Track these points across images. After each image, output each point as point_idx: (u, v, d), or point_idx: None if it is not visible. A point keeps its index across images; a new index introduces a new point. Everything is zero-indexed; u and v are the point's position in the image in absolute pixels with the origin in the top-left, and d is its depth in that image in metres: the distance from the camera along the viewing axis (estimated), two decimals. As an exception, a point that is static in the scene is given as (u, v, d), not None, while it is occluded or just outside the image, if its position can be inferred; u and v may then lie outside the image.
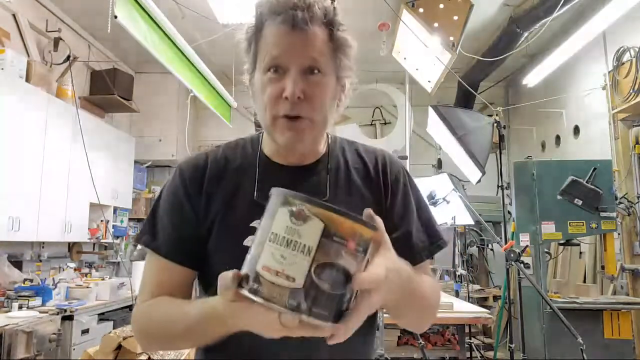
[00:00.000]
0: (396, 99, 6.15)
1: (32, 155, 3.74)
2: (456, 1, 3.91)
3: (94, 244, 4.99)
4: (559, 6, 3.49)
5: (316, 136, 0.87)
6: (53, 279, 4.05)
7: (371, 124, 6.57)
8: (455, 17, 3.90)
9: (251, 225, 0.83)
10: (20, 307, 3.30)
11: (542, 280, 3.52)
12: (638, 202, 3.89)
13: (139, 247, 5.83)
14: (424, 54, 4.26)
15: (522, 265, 2.78)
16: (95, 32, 5.03)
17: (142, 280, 0.89)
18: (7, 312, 3.25)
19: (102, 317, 3.96)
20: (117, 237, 5.32)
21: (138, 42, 2.71)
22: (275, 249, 0.55)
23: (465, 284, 4.31)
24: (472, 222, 4.18)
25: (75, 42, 4.79)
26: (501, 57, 4.39)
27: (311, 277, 0.54)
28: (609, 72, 4.19)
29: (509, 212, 3.99)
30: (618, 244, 3.87)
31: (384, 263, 0.61)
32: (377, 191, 0.92)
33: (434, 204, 3.90)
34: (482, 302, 4.91)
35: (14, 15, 3.98)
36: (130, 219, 5.61)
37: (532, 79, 5.13)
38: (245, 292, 0.56)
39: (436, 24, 3.92)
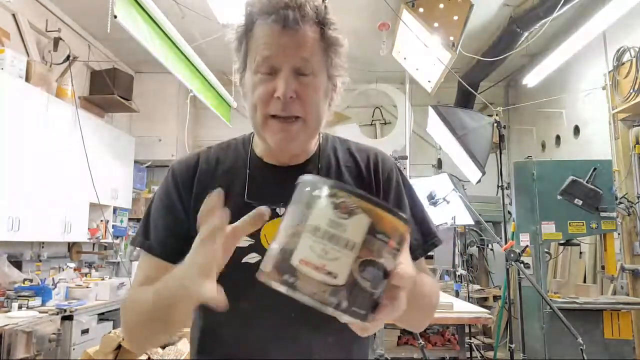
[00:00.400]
0: (396, 99, 6.15)
1: (31, 155, 3.74)
2: (456, 1, 3.92)
3: (93, 244, 4.99)
4: (559, 6, 3.50)
5: (308, 137, 0.86)
6: (53, 279, 4.05)
7: (371, 124, 6.57)
8: (455, 17, 3.90)
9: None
10: (20, 307, 3.30)
11: (542, 280, 3.52)
12: (638, 202, 3.89)
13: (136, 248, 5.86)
14: (424, 54, 4.26)
15: (522, 265, 2.78)
16: (95, 32, 5.03)
17: (134, 279, 0.88)
18: (6, 312, 3.25)
19: (102, 317, 3.96)
20: (117, 237, 5.31)
21: (138, 42, 2.71)
22: (315, 242, 0.52)
23: (465, 284, 4.31)
24: (472, 222, 4.18)
25: (75, 42, 4.79)
26: (501, 57, 4.39)
27: (353, 275, 0.52)
28: (609, 72, 4.19)
29: (509, 212, 3.99)
30: (618, 244, 3.86)
31: (409, 260, 0.60)
32: (369, 190, 0.90)
33: (434, 204, 3.90)
34: (482, 302, 4.90)
35: (13, 15, 3.98)
36: (130, 219, 5.61)
37: (532, 79, 5.13)
38: (277, 285, 0.53)
39: (436, 24, 3.92)
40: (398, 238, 0.55)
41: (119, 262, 5.44)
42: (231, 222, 0.80)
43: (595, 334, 3.34)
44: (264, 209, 0.60)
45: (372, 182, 0.92)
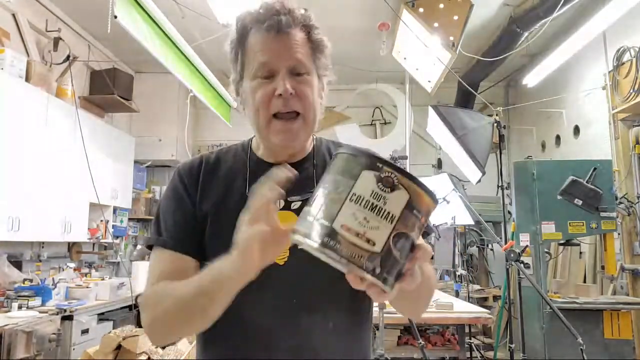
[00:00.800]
0: (396, 99, 6.15)
1: (31, 155, 3.74)
2: (456, 1, 3.91)
3: (93, 244, 4.99)
4: (559, 6, 3.49)
5: (307, 134, 0.92)
6: (53, 279, 4.05)
7: (371, 124, 6.57)
8: (455, 17, 3.90)
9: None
10: (20, 307, 3.30)
11: (542, 280, 3.52)
12: (638, 202, 3.89)
13: (139, 247, 5.84)
14: (424, 54, 4.26)
15: (522, 265, 2.78)
16: (95, 32, 5.03)
17: (149, 274, 0.90)
18: (6, 312, 3.25)
19: (102, 317, 3.97)
20: (117, 237, 5.31)
21: (138, 42, 2.70)
22: (357, 211, 0.55)
23: (465, 284, 4.31)
24: (472, 222, 4.18)
25: (75, 42, 4.79)
26: (501, 57, 4.39)
27: (389, 245, 0.55)
28: (609, 72, 4.19)
29: (509, 212, 3.99)
30: (618, 244, 3.86)
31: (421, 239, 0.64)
32: None
33: (434, 204, 3.89)
34: (482, 302, 4.90)
35: (13, 15, 3.98)
36: (130, 219, 5.61)
37: (532, 79, 5.13)
38: (314, 244, 0.56)
39: (436, 24, 3.92)
40: (427, 215, 0.59)
41: (119, 262, 5.44)
42: (232, 213, 0.85)
43: (595, 334, 3.34)
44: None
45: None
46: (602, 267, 3.90)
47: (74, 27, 4.81)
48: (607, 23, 3.75)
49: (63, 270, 4.36)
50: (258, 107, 0.86)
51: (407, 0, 4.00)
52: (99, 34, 5.06)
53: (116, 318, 4.08)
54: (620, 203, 3.82)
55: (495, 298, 5.08)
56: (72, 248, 4.71)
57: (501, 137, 3.12)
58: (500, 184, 3.15)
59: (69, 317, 3.49)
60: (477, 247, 5.54)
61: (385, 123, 6.54)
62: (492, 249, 5.54)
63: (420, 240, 0.61)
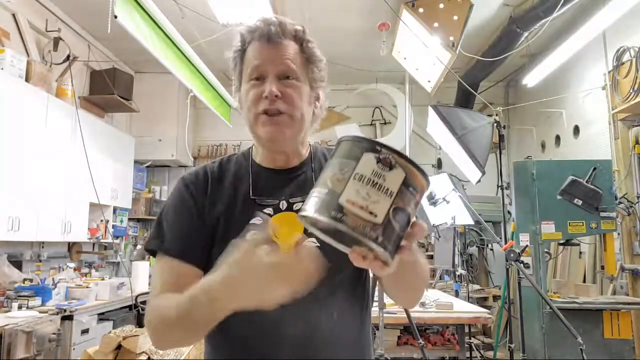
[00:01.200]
0: (396, 99, 6.15)
1: (31, 155, 3.74)
2: (456, 1, 3.92)
3: (93, 244, 4.99)
4: (559, 6, 3.49)
5: (295, 132, 0.97)
6: (53, 278, 4.05)
7: (371, 124, 6.57)
8: (455, 17, 3.90)
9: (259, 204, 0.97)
10: (20, 307, 3.30)
11: (541, 280, 3.53)
12: (638, 202, 3.89)
13: (139, 247, 5.84)
14: (424, 54, 4.26)
15: (521, 265, 2.78)
16: (95, 32, 5.03)
17: (153, 283, 0.96)
18: (6, 312, 3.25)
19: (102, 317, 3.96)
20: (117, 237, 5.31)
21: (138, 42, 2.71)
22: (360, 187, 0.62)
23: (465, 284, 4.31)
24: (472, 222, 4.18)
25: (75, 42, 4.79)
26: (501, 57, 4.39)
27: (389, 217, 0.62)
28: (609, 72, 4.19)
29: (509, 212, 3.99)
30: (618, 244, 3.86)
31: None
32: None
33: (434, 204, 3.90)
34: (481, 302, 4.91)
35: (13, 15, 3.98)
36: (130, 219, 5.61)
37: (532, 79, 5.13)
38: (324, 218, 0.62)
39: (436, 24, 3.92)
40: (422, 193, 0.67)
41: (118, 262, 5.44)
42: (240, 215, 0.95)
43: (595, 334, 3.34)
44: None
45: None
46: (602, 267, 3.90)
47: (74, 27, 4.81)
48: (607, 23, 3.75)
49: (63, 270, 4.36)
50: (249, 106, 0.95)
51: (407, 0, 4.00)
52: (99, 34, 5.06)
53: (116, 318, 4.08)
54: (620, 203, 3.83)
55: (495, 298, 5.09)
56: (72, 248, 4.71)
57: (501, 137, 3.11)
58: (500, 184, 3.15)
59: (69, 317, 3.49)
60: (477, 247, 5.54)
61: (385, 123, 6.54)
62: (491, 249, 5.54)
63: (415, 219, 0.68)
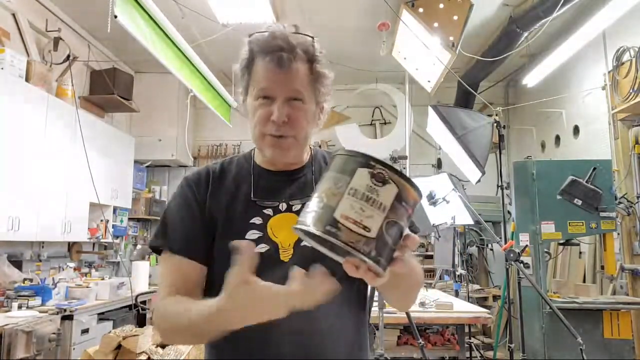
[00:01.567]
0: (396, 99, 6.15)
1: (31, 154, 3.74)
2: (456, 1, 3.92)
3: (93, 244, 4.99)
4: (559, 6, 3.49)
5: (298, 150, 1.02)
6: (53, 278, 4.06)
7: (371, 124, 6.57)
8: (455, 17, 3.90)
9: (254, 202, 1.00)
10: (20, 307, 3.30)
11: (541, 280, 3.53)
12: (638, 202, 3.89)
13: (139, 247, 5.83)
14: (424, 54, 4.26)
15: (521, 265, 2.78)
16: (95, 32, 5.03)
17: (159, 280, 0.99)
18: (6, 311, 3.25)
19: (102, 317, 3.97)
20: (117, 237, 5.32)
21: (138, 42, 2.71)
22: (354, 202, 0.64)
23: (465, 284, 4.31)
24: (472, 222, 4.18)
25: (75, 41, 4.79)
26: (501, 57, 4.39)
27: (382, 231, 0.63)
28: (609, 72, 4.19)
29: (509, 212, 3.99)
30: (618, 244, 3.86)
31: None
32: None
33: (434, 204, 3.89)
34: (481, 301, 4.91)
35: (13, 15, 3.98)
36: (130, 219, 5.61)
37: (532, 79, 5.13)
38: (318, 231, 0.63)
39: (436, 24, 3.92)
40: (414, 206, 0.68)
41: (119, 262, 5.44)
42: (240, 215, 0.98)
43: (594, 334, 3.34)
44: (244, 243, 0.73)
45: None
46: (602, 267, 3.90)
47: (74, 27, 4.81)
48: (607, 23, 3.75)
49: (63, 270, 4.36)
50: (256, 125, 0.97)
51: (407, 0, 4.00)
52: (99, 34, 5.06)
53: (116, 318, 4.08)
54: (620, 203, 3.83)
55: (495, 298, 5.09)
56: (72, 248, 4.72)
57: (501, 137, 3.11)
58: (500, 184, 3.15)
59: (69, 317, 3.49)
60: (477, 247, 5.54)
61: (385, 123, 6.54)
62: (491, 249, 5.54)
63: (408, 231, 0.70)
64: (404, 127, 5.39)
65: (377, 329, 2.57)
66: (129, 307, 4.27)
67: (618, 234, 3.85)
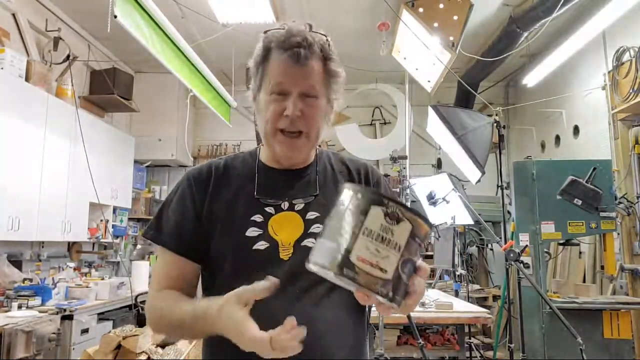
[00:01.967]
0: (396, 99, 6.15)
1: (31, 154, 3.74)
2: (456, 1, 3.92)
3: (93, 244, 4.99)
4: (559, 6, 3.49)
5: (309, 149, 1.04)
6: (53, 278, 4.06)
7: (371, 124, 6.57)
8: (455, 17, 3.90)
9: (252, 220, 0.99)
10: (19, 307, 3.30)
11: (541, 280, 3.53)
12: (638, 202, 3.89)
13: (139, 247, 5.83)
14: (424, 54, 4.26)
15: (521, 265, 2.78)
16: (95, 32, 5.03)
17: (153, 272, 1.03)
18: (6, 311, 3.25)
19: (102, 317, 3.97)
20: (117, 237, 5.31)
21: (138, 42, 2.71)
22: (370, 243, 0.63)
23: (465, 284, 4.31)
24: (472, 222, 4.18)
25: (75, 41, 4.79)
26: (501, 57, 4.39)
27: (398, 271, 0.64)
28: (609, 72, 4.19)
29: (509, 212, 3.99)
30: (618, 244, 3.86)
31: None
32: None
33: (434, 204, 3.90)
34: (481, 301, 4.91)
35: (13, 15, 3.98)
36: (129, 219, 5.61)
37: (532, 79, 5.13)
38: (337, 277, 0.63)
39: (436, 24, 3.92)
40: (425, 240, 0.68)
41: (118, 262, 5.44)
42: (242, 213, 0.98)
43: (594, 334, 3.34)
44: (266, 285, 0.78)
45: (363, 184, 1.08)
46: (602, 267, 3.90)
47: (74, 27, 4.81)
48: (607, 23, 3.75)
49: (63, 269, 4.36)
50: (268, 120, 0.97)
51: (407, 0, 4.00)
52: (99, 34, 5.06)
53: (116, 318, 4.08)
54: (620, 203, 3.83)
55: (495, 298, 5.09)
56: (72, 248, 4.71)
57: (501, 137, 3.11)
58: (499, 184, 3.15)
59: (69, 317, 3.49)
60: (477, 246, 5.54)
61: (385, 123, 6.54)
62: (491, 249, 5.54)
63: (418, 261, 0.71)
64: (404, 127, 5.38)
65: (377, 329, 2.57)
66: (129, 307, 4.27)
67: (618, 234, 3.85)
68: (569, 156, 4.93)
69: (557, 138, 5.36)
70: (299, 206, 1.00)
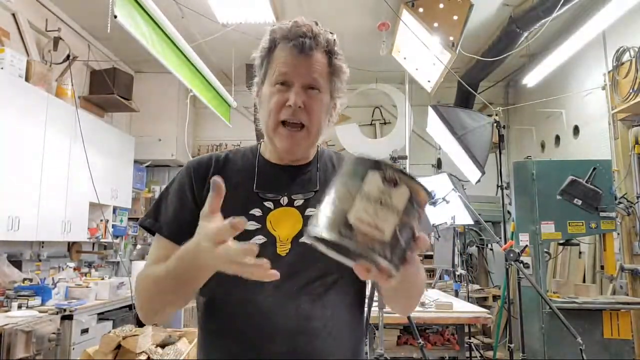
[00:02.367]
0: (396, 99, 6.15)
1: (31, 154, 3.74)
2: (456, 1, 3.92)
3: (93, 244, 4.99)
4: (559, 6, 3.49)
5: (309, 144, 1.03)
6: (52, 278, 4.06)
7: (371, 124, 6.57)
8: (455, 17, 3.91)
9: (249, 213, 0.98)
10: (19, 307, 3.30)
11: (541, 280, 3.53)
12: (637, 202, 3.89)
13: (139, 247, 5.82)
14: (423, 54, 4.26)
15: (521, 265, 2.78)
16: (95, 32, 5.03)
17: (148, 256, 1.02)
18: (6, 311, 3.25)
19: (102, 317, 3.97)
20: (117, 237, 5.32)
21: (138, 42, 2.70)
22: (368, 205, 0.64)
23: (465, 284, 4.31)
24: (472, 222, 4.18)
25: (75, 41, 4.79)
26: (501, 57, 4.39)
27: (395, 233, 0.64)
28: (609, 72, 4.19)
29: (509, 212, 3.99)
30: (617, 244, 3.87)
31: None
32: None
33: (434, 203, 3.89)
34: (481, 301, 4.91)
35: (13, 15, 3.98)
36: (129, 219, 5.61)
37: (532, 79, 5.13)
38: (332, 236, 0.63)
39: (436, 24, 3.92)
40: (424, 207, 0.69)
41: (118, 262, 5.44)
42: (241, 207, 0.97)
43: (594, 334, 3.34)
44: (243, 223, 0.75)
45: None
46: (602, 267, 3.90)
47: (74, 27, 4.81)
48: (607, 23, 3.75)
49: (63, 269, 4.36)
50: (270, 111, 0.97)
51: (407, 0, 4.01)
52: (99, 34, 5.06)
53: (116, 318, 4.08)
54: (620, 203, 3.83)
55: (495, 298, 5.09)
56: (72, 248, 4.71)
57: (501, 137, 3.12)
58: (499, 184, 3.15)
59: (69, 317, 3.49)
60: (477, 246, 5.54)
61: (385, 123, 6.54)
62: (491, 249, 5.54)
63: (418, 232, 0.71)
64: (404, 127, 5.39)
65: (377, 329, 2.57)
66: (129, 307, 4.27)
67: (618, 234, 3.85)
68: (568, 156, 4.93)
69: (557, 138, 5.36)
70: (299, 202, 0.99)
